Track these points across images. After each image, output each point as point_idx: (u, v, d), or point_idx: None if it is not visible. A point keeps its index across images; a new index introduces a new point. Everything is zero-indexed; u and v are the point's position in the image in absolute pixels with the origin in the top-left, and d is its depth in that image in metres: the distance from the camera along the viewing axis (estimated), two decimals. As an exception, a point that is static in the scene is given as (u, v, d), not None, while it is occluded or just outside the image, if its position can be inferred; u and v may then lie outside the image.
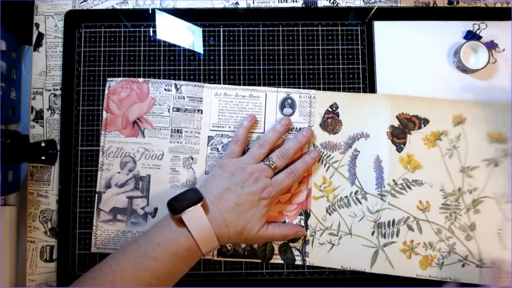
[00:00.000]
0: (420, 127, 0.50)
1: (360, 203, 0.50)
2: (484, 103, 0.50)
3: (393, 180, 0.49)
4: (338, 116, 0.51)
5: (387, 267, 0.49)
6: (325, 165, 0.50)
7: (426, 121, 0.50)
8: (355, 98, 0.51)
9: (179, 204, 0.42)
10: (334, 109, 0.51)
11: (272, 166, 0.46)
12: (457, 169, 0.50)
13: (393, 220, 0.49)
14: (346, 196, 0.50)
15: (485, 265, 0.48)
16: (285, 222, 0.50)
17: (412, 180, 0.49)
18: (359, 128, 0.50)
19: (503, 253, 0.48)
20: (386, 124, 0.50)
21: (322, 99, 0.51)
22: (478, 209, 0.49)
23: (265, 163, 0.46)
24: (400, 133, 0.50)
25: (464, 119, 0.50)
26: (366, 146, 0.50)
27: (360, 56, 0.53)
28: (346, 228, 0.49)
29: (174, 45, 0.53)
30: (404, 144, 0.50)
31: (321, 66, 0.52)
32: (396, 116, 0.50)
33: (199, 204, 0.42)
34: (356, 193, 0.50)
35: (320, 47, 0.53)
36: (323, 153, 0.50)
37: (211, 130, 0.51)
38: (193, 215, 0.42)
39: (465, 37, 0.52)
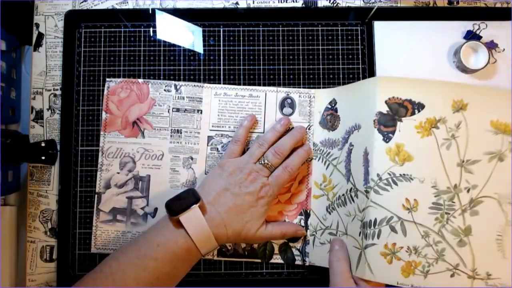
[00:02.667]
0: (413, 113, 0.43)
1: (353, 201, 0.45)
2: (488, 89, 0.45)
3: (377, 175, 0.43)
4: (336, 111, 0.50)
5: (367, 271, 0.42)
6: (325, 163, 0.50)
7: (421, 106, 0.43)
8: (348, 89, 0.49)
9: (177, 205, 0.42)
10: (333, 105, 0.50)
11: (268, 165, 0.46)
12: (455, 162, 0.42)
13: (375, 220, 0.42)
14: (343, 194, 0.46)
15: (479, 276, 0.41)
16: (285, 221, 0.50)
17: (400, 175, 0.42)
18: (353, 120, 0.47)
19: (501, 262, 0.41)
20: (373, 110, 0.44)
21: (321, 96, 0.51)
22: (476, 211, 0.42)
23: (261, 162, 0.46)
24: (388, 120, 0.43)
25: (465, 105, 0.43)
26: (359, 138, 0.45)
27: (360, 56, 0.53)
28: (343, 228, 0.46)
29: (174, 45, 0.53)
30: (393, 133, 0.43)
31: (321, 66, 0.52)
32: (385, 101, 0.44)
33: (197, 205, 0.42)
34: (350, 190, 0.45)
35: (320, 47, 0.53)
36: (323, 151, 0.50)
37: (211, 130, 0.51)
38: (190, 216, 0.42)
39: (465, 37, 0.52)
